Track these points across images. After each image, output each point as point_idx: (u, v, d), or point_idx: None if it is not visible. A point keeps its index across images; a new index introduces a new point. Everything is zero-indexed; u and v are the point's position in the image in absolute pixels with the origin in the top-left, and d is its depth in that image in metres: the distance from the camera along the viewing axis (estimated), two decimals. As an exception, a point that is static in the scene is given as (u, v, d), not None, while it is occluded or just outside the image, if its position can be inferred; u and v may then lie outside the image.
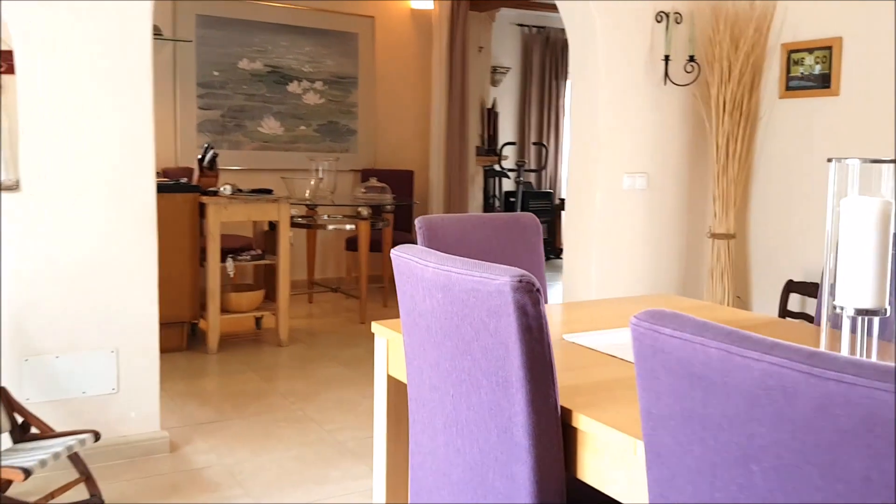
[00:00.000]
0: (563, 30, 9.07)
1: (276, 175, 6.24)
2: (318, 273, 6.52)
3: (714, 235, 4.05)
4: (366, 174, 6.53)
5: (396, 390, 1.89)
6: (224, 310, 4.57)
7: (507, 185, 8.37)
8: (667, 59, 3.96)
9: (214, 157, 4.65)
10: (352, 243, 6.10)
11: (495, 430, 1.28)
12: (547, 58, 8.68)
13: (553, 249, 8.45)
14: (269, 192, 4.65)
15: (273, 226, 4.91)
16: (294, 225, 5.29)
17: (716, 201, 4.03)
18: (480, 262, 1.29)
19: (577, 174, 4.07)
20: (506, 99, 8.41)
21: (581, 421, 1.25)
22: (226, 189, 4.48)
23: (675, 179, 4.17)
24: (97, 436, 2.39)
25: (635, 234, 4.08)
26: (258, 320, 5.07)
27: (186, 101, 5.92)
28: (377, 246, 5.83)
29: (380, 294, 6.09)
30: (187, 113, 5.93)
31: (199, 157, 4.64)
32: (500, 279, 1.22)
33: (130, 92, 2.80)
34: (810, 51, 3.76)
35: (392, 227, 5.83)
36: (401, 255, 1.49)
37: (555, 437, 1.25)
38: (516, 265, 2.27)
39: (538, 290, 1.22)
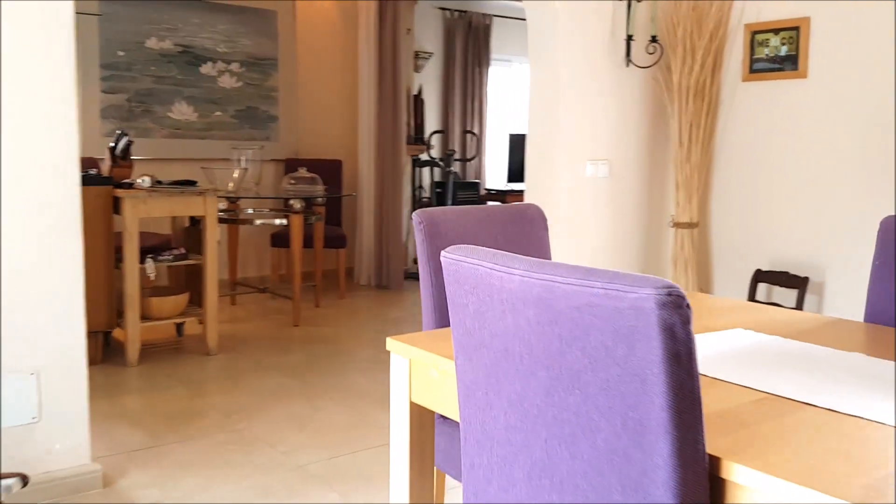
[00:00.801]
0: (485, 14, 8.89)
1: (190, 166, 5.72)
2: (239, 272, 6.04)
3: (677, 224, 3.89)
4: (290, 164, 6.08)
5: (420, 421, 1.56)
6: (144, 317, 4.08)
7: (433, 175, 8.07)
8: (629, 39, 3.76)
9: (129, 145, 4.13)
10: (278, 239, 5.66)
11: (618, 487, 0.99)
12: (470, 43, 8.42)
13: (480, 240, 8.22)
14: (192, 183, 4.18)
15: (194, 221, 4.44)
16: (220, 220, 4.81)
17: (678, 189, 3.87)
18: (597, 269, 0.99)
19: (536, 162, 3.82)
20: (429, 86, 8.10)
21: (736, 472, 0.98)
22: (144, 181, 3.99)
23: (637, 167, 3.98)
24: (25, 480, 1.94)
25: (598, 225, 3.87)
26: (179, 327, 4.58)
27: (88, 83, 5.31)
28: (308, 241, 5.42)
29: (311, 294, 5.68)
30: (89, 97, 5.33)
31: (111, 145, 4.11)
32: (638, 291, 0.92)
33: (46, 76, 2.33)
34: (776, 31, 3.64)
35: (324, 220, 5.42)
36: (463, 260, 1.17)
37: (704, 495, 0.97)
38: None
39: (688, 305, 0.93)
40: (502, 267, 1.09)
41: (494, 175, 8.82)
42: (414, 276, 6.49)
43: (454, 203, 7.47)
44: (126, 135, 4.15)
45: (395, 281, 6.10)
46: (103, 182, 3.93)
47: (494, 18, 8.65)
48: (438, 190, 7.85)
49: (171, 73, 5.65)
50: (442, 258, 1.22)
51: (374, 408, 3.42)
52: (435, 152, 7.99)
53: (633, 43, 3.76)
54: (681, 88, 3.78)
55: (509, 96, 9.09)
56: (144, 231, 4.53)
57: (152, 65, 5.57)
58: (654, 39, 3.79)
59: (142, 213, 3.91)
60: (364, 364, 4.09)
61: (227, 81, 5.91)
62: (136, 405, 3.43)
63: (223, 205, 4.95)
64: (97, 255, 3.85)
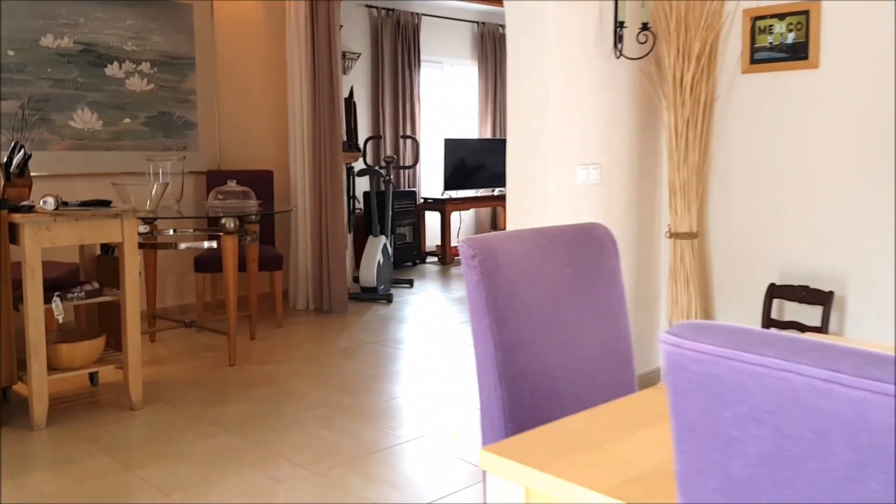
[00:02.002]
0: (413, 13, 8.36)
1: (97, 182, 4.96)
2: (158, 303, 5.29)
3: (675, 235, 3.47)
4: (212, 177, 5.38)
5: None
6: (52, 367, 3.35)
7: (362, 183, 7.48)
8: (621, 26, 3.31)
9: (26, 159, 3.40)
10: (204, 263, 4.96)
11: None
12: (399, 43, 7.88)
13: (418, 254, 7.68)
14: (106, 204, 3.48)
15: (107, 249, 3.72)
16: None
17: (675, 195, 3.45)
18: None
19: (520, 169, 3.32)
20: (358, 89, 7.51)
21: None
22: (46, 203, 3.26)
23: (628, 171, 3.54)
24: None
25: (591, 238, 3.40)
26: (93, 376, 3.85)
27: (-32, 87, 4.48)
28: (241, 264, 4.75)
29: (244, 325, 5.00)
30: (-30, 103, 4.50)
31: (5, 160, 3.37)
32: None
33: None
34: (781, 17, 3.27)
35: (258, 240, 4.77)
36: (731, 357, 0.63)
37: None
38: (602, 302, 1.47)
39: None
40: (821, 370, 0.56)
41: (430, 183, 8.31)
42: (357, 298, 5.89)
43: (383, 214, 6.90)
44: (22, 147, 3.41)
45: (338, 304, 5.49)
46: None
47: (423, 17, 8.15)
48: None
49: (71, 75, 4.87)
50: (666, 343, 0.68)
51: (350, 472, 2.83)
52: (368, 160, 7.40)
53: (623, 31, 3.32)
54: (675, 82, 3.36)
55: (442, 99, 8.60)
56: (47, 261, 3.78)
57: (49, 66, 4.78)
58: (645, 27, 3.36)
59: (45, 242, 3.19)
60: (322, 410, 3.48)
61: (136, 84, 5.16)
62: (49, 486, 2.72)
63: (142, 228, 4.23)
64: (-12, 297, 3.11)
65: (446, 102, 8.61)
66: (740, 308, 3.47)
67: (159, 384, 3.90)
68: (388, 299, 5.87)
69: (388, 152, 7.82)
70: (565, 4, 3.17)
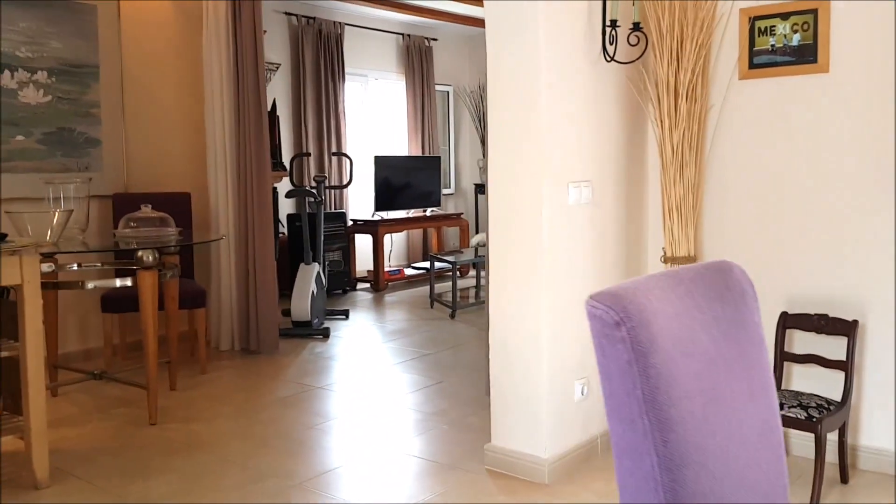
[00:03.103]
0: (336, 22, 7.81)
1: (-18, 209, 4.20)
2: (59, 348, 4.55)
3: (671, 259, 3.10)
4: (120, 201, 4.70)
5: None
6: (-74, 446, 2.65)
7: (284, 206, 6.88)
8: (613, 25, 2.92)
9: None
10: (113, 303, 4.28)
11: None
12: (322, 53, 7.35)
13: (349, 281, 7.12)
14: (2, 237, 2.81)
15: (4, 291, 3.04)
16: (33, 285, 3.40)
17: (670, 214, 3.08)
18: None
19: (507, 192, 2.87)
20: (279, 103, 6.92)
21: None
22: (-84, 238, 2.58)
23: (616, 188, 3.15)
24: None
25: (584, 264, 2.98)
26: (-17, 444, 3.13)
27: None
28: (159, 302, 4.09)
29: (163, 373, 4.31)
30: None
31: None
32: None
33: None
34: (784, 16, 2.96)
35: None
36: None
37: None
38: (754, 374, 0.97)
39: None
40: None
41: (359, 203, 7.78)
42: (289, 334, 5.29)
43: (314, 238, 6.33)
44: None
45: (268, 343, 4.88)
46: None
47: (346, 27, 7.65)
48: (298, 223, 6.69)
49: (-55, 83, 4.12)
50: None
51: (323, 564, 2.28)
52: (293, 179, 6.81)
53: (616, 32, 2.94)
54: (668, 89, 3.00)
55: (368, 114, 8.10)
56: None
57: (-84, 72, 4.02)
58: (636, 27, 2.99)
59: (-86, 289, 2.51)
60: (271, 482, 2.91)
61: (31, 95, 4.43)
62: None
63: (45, 266, 3.52)
64: None
65: (372, 117, 8.11)
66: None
67: (68, 453, 3.21)
68: (325, 334, 5.30)
69: (314, 171, 7.25)
70: (555, 3, 2.75)
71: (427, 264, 7.70)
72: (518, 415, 2.88)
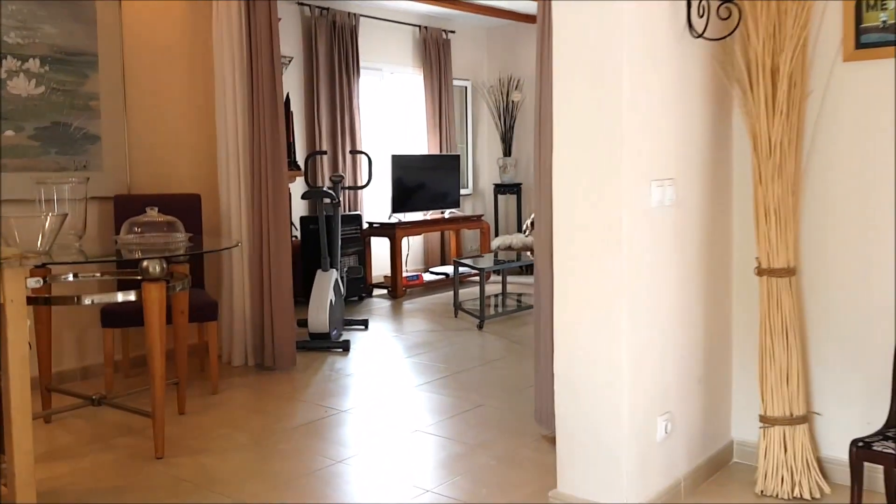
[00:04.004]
0: (350, 14, 7.35)
1: (-33, 212, 3.76)
2: (54, 367, 4.12)
3: (767, 272, 2.65)
4: (122, 203, 4.26)
5: None
6: None
7: (297, 208, 6.43)
8: (702, -5, 2.48)
9: None
10: (115, 317, 3.84)
11: None
12: (336, 46, 6.91)
13: (365, 287, 6.68)
14: (-24, 248, 2.37)
15: (-15, 310, 2.59)
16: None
17: (767, 219, 2.63)
18: None
19: (572, 191, 2.43)
20: (291, 97, 6.47)
21: None
22: None
23: (701, 188, 2.71)
24: None
25: (667, 279, 2.54)
26: (-38, 486, 2.69)
27: None
28: (167, 315, 3.67)
29: (171, 395, 3.86)
30: None
31: None
32: None
33: None
34: (902, -12, 2.52)
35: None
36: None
37: None
38: None
39: None
40: None
41: (374, 205, 7.34)
42: (306, 347, 4.85)
43: (332, 243, 5.90)
44: None
45: (284, 358, 4.43)
46: None
47: (361, 18, 7.21)
48: (312, 226, 6.26)
49: (-75, 72, 3.68)
50: None
51: None
52: (307, 179, 6.37)
53: (705, 2, 2.50)
54: (765, 71, 2.56)
55: (384, 110, 7.66)
56: None
57: None
58: None
59: None
60: (305, 531, 2.47)
61: (21, 86, 4.00)
62: None
63: (32, 281, 3.06)
64: None
65: (388, 114, 7.67)
66: (856, 372, 2.68)
67: (60, 494, 2.78)
68: (344, 347, 4.86)
69: (328, 170, 6.81)
70: (637, -35, 2.31)
71: (447, 269, 7.26)
72: (592, 458, 2.44)
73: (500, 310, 5.96)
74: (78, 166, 4.22)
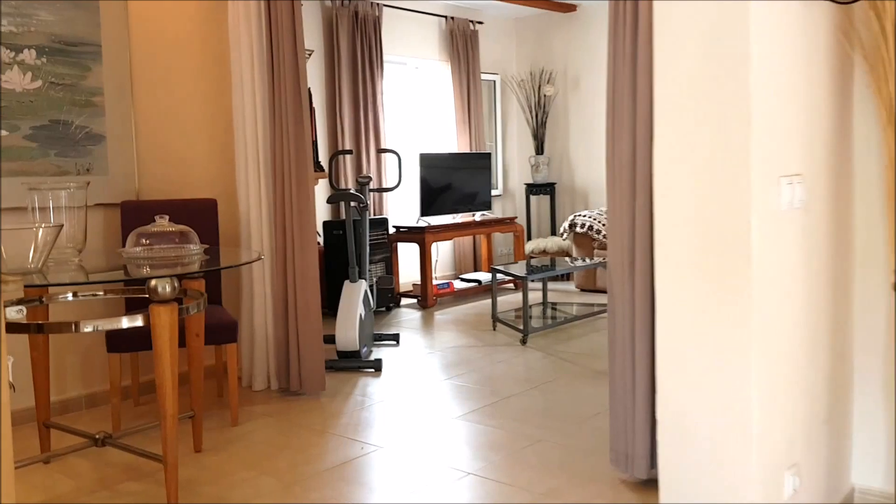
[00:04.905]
0: (373, 3, 6.88)
1: (-47, 223, 3.33)
2: (53, 395, 3.69)
3: (906, 287, 2.16)
4: (128, 211, 3.81)
5: None
6: None
7: (321, 212, 5.99)
8: (841, -53, 1.99)
9: None
10: (121, 340, 3.38)
11: None
12: (358, 38, 6.45)
13: (393, 297, 6.21)
14: (-58, 271, 1.92)
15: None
16: (8, 329, 2.51)
17: (909, 224, 2.14)
18: None
19: (681, 191, 1.95)
20: (311, 92, 6.02)
21: None
22: None
23: (828, 184, 2.22)
24: None
25: (796, 298, 2.06)
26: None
27: None
28: (179, 338, 3.22)
29: (185, 428, 3.42)
30: None
31: None
32: None
33: None
34: None
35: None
36: None
37: None
38: None
39: None
40: None
41: (400, 207, 6.87)
42: (334, 367, 4.39)
43: (360, 251, 5.44)
44: None
45: (311, 382, 3.96)
46: None
47: (385, 9, 6.75)
48: (337, 231, 5.81)
49: None
50: None
51: None
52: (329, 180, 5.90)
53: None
54: (907, 43, 2.07)
55: (409, 106, 7.20)
56: None
57: None
58: (865, -47, 2.07)
59: None
60: None
61: (15, 80, 3.55)
62: None
63: (13, 310, 2.59)
64: None
65: (413, 110, 7.21)
66: None
67: (53, 564, 2.32)
68: (376, 367, 4.39)
69: (351, 170, 6.35)
70: None
71: (479, 276, 6.78)
72: (710, 524, 1.95)
73: (545, 322, 5.47)
74: (80, 169, 3.78)
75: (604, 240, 6.42)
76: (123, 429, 3.43)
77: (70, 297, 3.16)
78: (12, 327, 2.57)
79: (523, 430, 3.35)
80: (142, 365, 3.87)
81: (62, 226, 2.74)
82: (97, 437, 2.99)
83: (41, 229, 2.66)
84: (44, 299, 3.05)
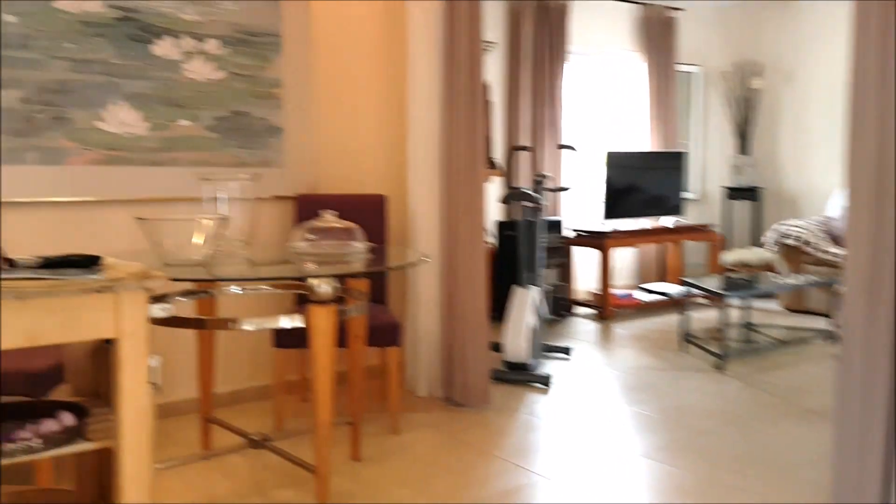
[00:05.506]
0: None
1: (132, 210, 3.41)
2: (221, 386, 3.68)
3: None
4: (304, 204, 3.72)
5: None
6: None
7: (494, 210, 5.71)
8: None
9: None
10: (287, 336, 3.27)
11: None
12: (543, 28, 6.10)
13: (566, 305, 5.82)
14: (89, 262, 1.80)
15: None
16: (169, 323, 2.43)
17: None
18: None
19: None
20: (490, 86, 5.76)
21: None
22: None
23: None
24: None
25: None
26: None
27: (-58, 68, 2.98)
28: (341, 337, 3.07)
29: (342, 435, 3.26)
30: (-55, 93, 2.99)
31: None
32: None
33: None
34: None
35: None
36: None
37: None
38: None
39: None
40: None
41: (579, 209, 6.45)
42: (499, 378, 4.09)
43: (532, 255, 5.08)
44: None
45: (475, 394, 3.69)
46: None
47: (574, 3, 6.35)
48: (509, 232, 5.51)
49: (101, 54, 3.31)
50: None
51: None
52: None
53: None
54: None
55: (592, 100, 6.76)
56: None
57: (69, 40, 3.23)
58: None
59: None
60: None
61: (199, 69, 3.56)
62: None
63: (157, 309, 2.51)
64: None
65: (597, 104, 6.76)
66: None
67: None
68: (545, 382, 4.04)
69: (525, 168, 6.02)
70: None
71: (666, 288, 6.22)
72: None
73: (744, 347, 4.85)
74: (259, 162, 3.74)
75: (819, 255, 5.65)
76: (285, 429, 3.34)
77: (237, 289, 3.08)
78: (173, 321, 2.49)
79: (717, 475, 2.87)
80: (306, 361, 3.78)
81: (227, 218, 2.64)
82: (255, 438, 2.88)
83: (206, 221, 2.56)
84: (211, 292, 2.99)
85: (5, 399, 1.98)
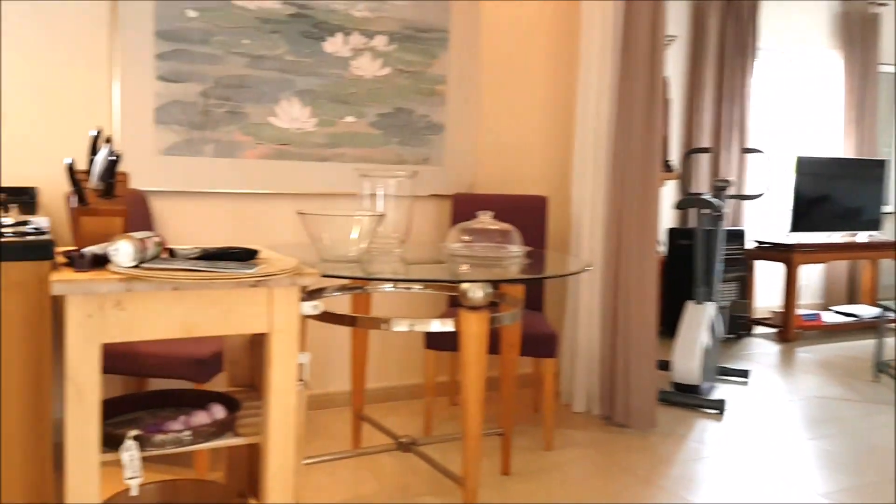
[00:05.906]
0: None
1: (295, 203, 3.45)
2: (374, 381, 3.66)
3: None
4: (461, 203, 3.63)
5: None
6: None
7: (666, 217, 5.36)
8: None
9: (114, 162, 1.81)
10: (439, 338, 3.18)
11: None
12: (729, 27, 5.66)
13: (745, 323, 5.36)
14: (246, 256, 1.78)
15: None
16: (322, 319, 2.40)
17: None
18: None
19: None
20: (669, 83, 5.41)
21: None
22: (122, 252, 1.62)
23: None
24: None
25: None
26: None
27: (135, 65, 3.14)
28: (493, 343, 2.93)
29: (492, 446, 3.12)
30: (136, 87, 3.15)
31: (90, 160, 1.81)
32: None
33: None
34: None
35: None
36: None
37: None
38: None
39: None
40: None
41: (762, 219, 5.94)
42: (666, 399, 3.79)
43: (710, 267, 4.71)
44: (109, 142, 1.83)
45: (640, 415, 3.42)
46: (38, 253, 1.60)
47: (765, -9, 5.85)
48: (683, 241, 5.15)
49: (276, 50, 3.38)
50: None
51: None
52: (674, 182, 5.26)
53: None
54: None
55: (782, 102, 6.21)
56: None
57: (245, 36, 3.32)
58: None
59: (105, 335, 1.55)
60: None
61: (366, 66, 3.55)
62: None
63: (309, 306, 2.47)
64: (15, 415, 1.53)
65: (788, 106, 6.20)
66: None
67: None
68: (719, 408, 3.69)
69: (708, 172, 5.61)
70: None
71: (859, 310, 5.59)
72: None
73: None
74: (419, 159, 3.68)
75: None
76: (434, 433, 3.25)
77: (390, 287, 3.03)
78: (326, 317, 2.45)
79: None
80: (457, 363, 3.68)
81: (383, 215, 2.57)
82: (404, 441, 2.80)
83: (362, 218, 2.50)
84: (365, 288, 2.95)
85: (162, 388, 1.99)
